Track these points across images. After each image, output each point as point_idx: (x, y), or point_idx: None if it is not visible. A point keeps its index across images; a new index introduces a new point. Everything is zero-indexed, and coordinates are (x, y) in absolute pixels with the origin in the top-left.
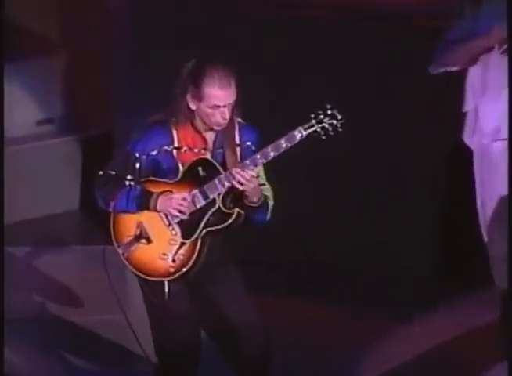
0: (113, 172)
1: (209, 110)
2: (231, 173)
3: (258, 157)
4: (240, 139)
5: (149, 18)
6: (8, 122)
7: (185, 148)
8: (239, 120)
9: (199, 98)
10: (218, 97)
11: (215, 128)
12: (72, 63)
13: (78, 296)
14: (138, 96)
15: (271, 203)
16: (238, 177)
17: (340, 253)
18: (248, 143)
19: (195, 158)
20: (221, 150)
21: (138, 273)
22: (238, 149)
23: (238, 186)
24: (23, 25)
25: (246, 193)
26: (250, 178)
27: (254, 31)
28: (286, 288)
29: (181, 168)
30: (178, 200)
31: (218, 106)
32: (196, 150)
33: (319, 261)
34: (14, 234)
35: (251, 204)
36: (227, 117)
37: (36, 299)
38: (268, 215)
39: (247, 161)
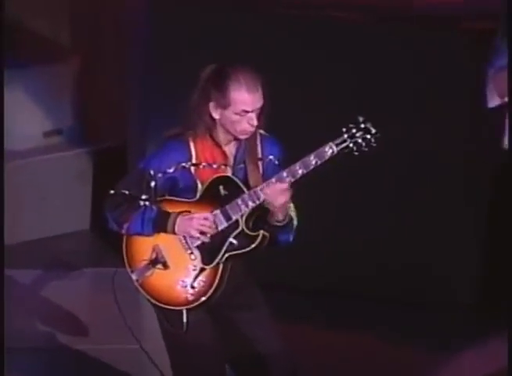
0: (126, 192)
1: (236, 117)
2: (262, 189)
3: (285, 174)
4: (262, 153)
5: (168, 20)
6: (12, 133)
7: (203, 164)
8: (262, 131)
9: (224, 104)
10: (246, 102)
11: (241, 137)
12: (83, 69)
13: (88, 323)
14: (155, 106)
15: (295, 223)
16: (267, 191)
17: (371, 279)
18: (271, 157)
19: (215, 176)
20: (242, 166)
21: (154, 301)
22: (260, 163)
23: (267, 198)
24: (29, 27)
25: (273, 211)
26: (283, 191)
27: (278, 34)
28: (313, 315)
29: (200, 186)
30: (200, 220)
31: (246, 112)
32: (215, 166)
33: (348, 287)
34: (18, 256)
35: (276, 223)
36: (255, 123)
37: (41, 327)
38: (292, 236)
39: (273, 179)
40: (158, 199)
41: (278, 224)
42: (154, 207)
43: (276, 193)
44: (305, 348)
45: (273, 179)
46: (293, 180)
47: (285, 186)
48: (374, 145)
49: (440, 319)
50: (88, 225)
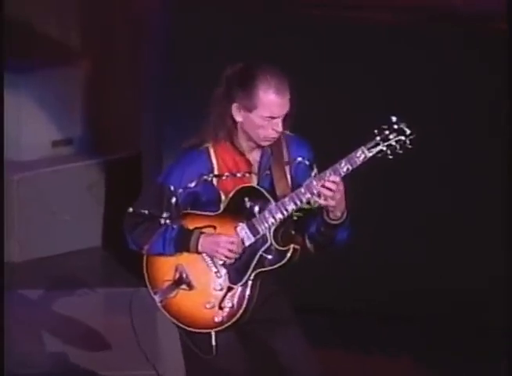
0: (146, 211)
1: (260, 122)
2: (308, 186)
3: (315, 183)
4: (289, 156)
5: (185, 21)
6: (18, 143)
7: (226, 174)
8: (287, 132)
9: (250, 106)
10: (275, 106)
11: (263, 143)
12: (94, 74)
13: (101, 347)
14: (171, 113)
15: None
16: (321, 189)
17: (405, 300)
18: (300, 159)
19: (239, 186)
20: (268, 172)
21: (179, 324)
22: (287, 168)
23: (322, 201)
24: (37, 28)
25: (330, 207)
26: (337, 186)
27: (303, 34)
28: (345, 339)
29: (223, 197)
30: (226, 244)
31: (273, 118)
32: (239, 175)
33: (381, 309)
34: (25, 275)
35: (334, 221)
36: (280, 129)
37: (50, 350)
38: (348, 234)
39: (302, 189)
40: (180, 214)
41: (336, 222)
42: (175, 226)
43: (330, 192)
44: (339, 373)
45: (301, 189)
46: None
47: (337, 179)
48: (410, 147)
49: (480, 345)
50: (99, 242)
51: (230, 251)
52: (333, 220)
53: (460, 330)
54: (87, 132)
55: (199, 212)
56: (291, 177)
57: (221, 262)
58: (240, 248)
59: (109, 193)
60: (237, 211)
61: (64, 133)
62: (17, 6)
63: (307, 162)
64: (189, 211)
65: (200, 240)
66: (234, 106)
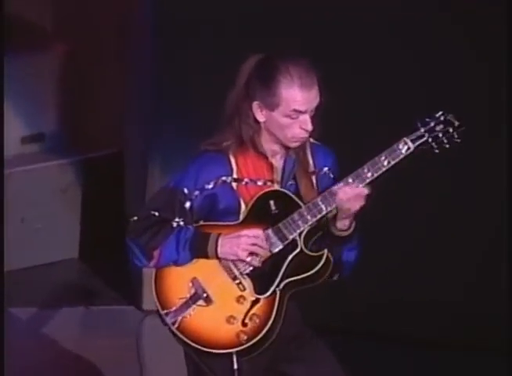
0: (156, 213)
1: (285, 121)
2: (335, 193)
3: (351, 180)
4: (315, 165)
5: (172, 5)
6: None
7: (246, 180)
8: (311, 140)
9: (272, 104)
10: (299, 100)
11: (291, 145)
12: (69, 62)
13: (77, 372)
14: (159, 107)
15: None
16: (341, 195)
17: (408, 321)
18: (325, 169)
19: (263, 191)
20: (292, 182)
21: (195, 345)
22: (313, 178)
23: (340, 203)
24: (6, 15)
25: (340, 217)
26: (359, 195)
27: (320, 21)
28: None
29: (243, 205)
30: (250, 238)
31: (299, 113)
32: (260, 183)
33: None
34: None
35: (340, 233)
36: (309, 128)
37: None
38: (357, 256)
39: (341, 183)
40: (194, 225)
41: (342, 233)
42: (190, 227)
43: (352, 198)
44: None
45: (341, 183)
46: (362, 185)
47: (363, 190)
48: (458, 141)
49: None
50: (76, 254)
51: (254, 245)
52: (341, 230)
53: (467, 355)
54: (61, 127)
55: (215, 223)
56: (317, 187)
57: (244, 271)
58: (266, 245)
59: (86, 197)
60: (260, 217)
61: (35, 128)
62: None
63: (331, 175)
64: (203, 223)
65: (220, 241)
66: (255, 105)
